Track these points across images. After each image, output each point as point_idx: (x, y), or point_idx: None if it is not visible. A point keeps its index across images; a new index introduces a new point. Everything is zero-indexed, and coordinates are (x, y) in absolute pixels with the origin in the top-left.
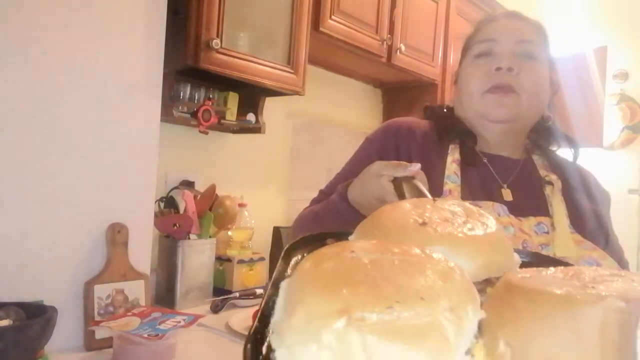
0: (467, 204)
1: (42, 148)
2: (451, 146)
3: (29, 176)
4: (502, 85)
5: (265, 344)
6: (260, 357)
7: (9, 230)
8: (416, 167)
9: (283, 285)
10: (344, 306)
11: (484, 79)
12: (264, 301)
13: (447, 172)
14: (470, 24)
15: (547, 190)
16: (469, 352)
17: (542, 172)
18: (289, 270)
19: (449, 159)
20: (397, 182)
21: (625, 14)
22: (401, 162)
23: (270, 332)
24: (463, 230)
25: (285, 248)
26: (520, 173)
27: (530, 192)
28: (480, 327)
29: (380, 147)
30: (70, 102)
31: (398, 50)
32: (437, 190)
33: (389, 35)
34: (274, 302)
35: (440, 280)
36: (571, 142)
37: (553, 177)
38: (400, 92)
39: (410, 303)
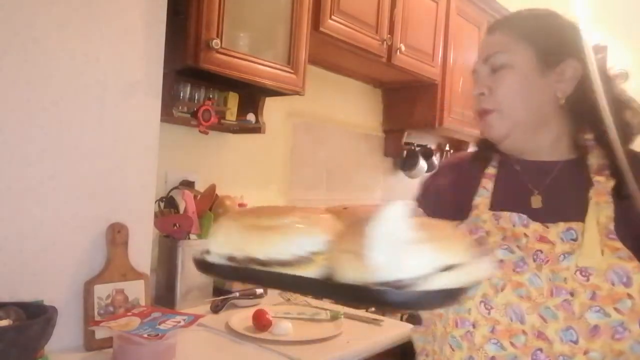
0: None
1: (42, 148)
2: (491, 164)
3: (29, 176)
4: (482, 110)
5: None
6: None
7: (8, 230)
8: None
9: None
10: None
11: (475, 108)
12: None
13: (479, 188)
14: (471, 23)
15: (591, 192)
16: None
17: (592, 174)
18: None
19: (483, 175)
20: None
21: (625, 14)
22: None
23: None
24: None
25: None
26: (558, 176)
27: (567, 195)
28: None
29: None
30: (70, 102)
31: (398, 50)
32: (466, 208)
33: (389, 35)
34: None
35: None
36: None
37: (601, 178)
38: (400, 92)
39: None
